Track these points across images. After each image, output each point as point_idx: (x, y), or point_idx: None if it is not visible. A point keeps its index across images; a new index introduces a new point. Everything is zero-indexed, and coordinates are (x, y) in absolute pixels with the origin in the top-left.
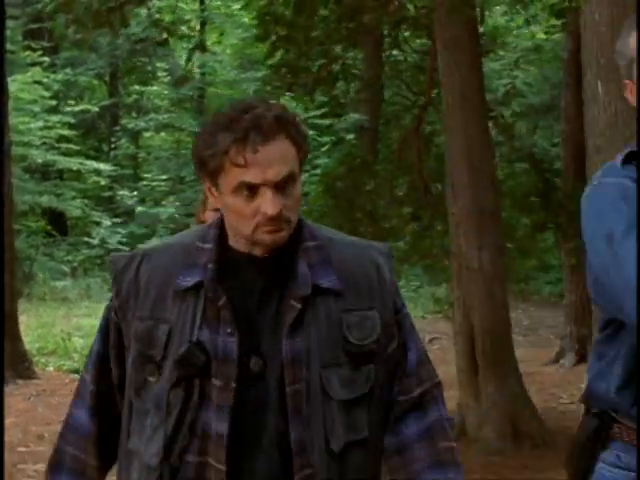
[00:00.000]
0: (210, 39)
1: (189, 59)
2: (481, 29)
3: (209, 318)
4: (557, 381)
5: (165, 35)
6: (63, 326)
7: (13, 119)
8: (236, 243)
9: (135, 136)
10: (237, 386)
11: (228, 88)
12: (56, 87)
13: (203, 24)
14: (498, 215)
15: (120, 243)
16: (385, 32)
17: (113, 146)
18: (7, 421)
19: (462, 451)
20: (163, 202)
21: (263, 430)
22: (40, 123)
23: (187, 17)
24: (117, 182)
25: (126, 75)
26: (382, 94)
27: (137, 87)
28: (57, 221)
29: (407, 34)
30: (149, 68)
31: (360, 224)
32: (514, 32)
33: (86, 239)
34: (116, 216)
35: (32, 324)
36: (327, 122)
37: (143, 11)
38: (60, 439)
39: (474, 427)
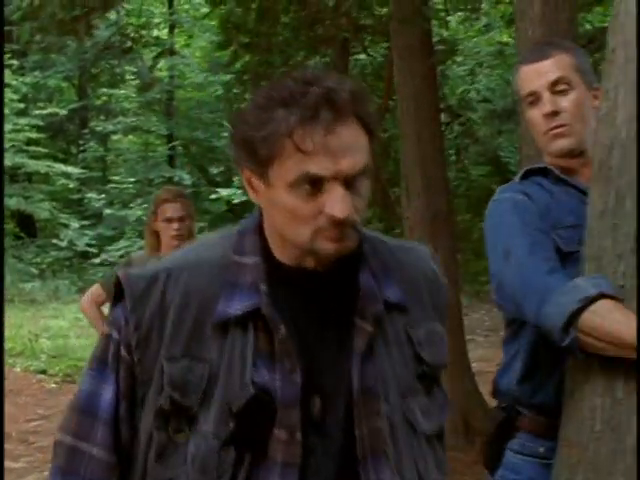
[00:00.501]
0: (179, 42)
1: (154, 65)
2: (445, 34)
3: (263, 352)
4: None
5: (130, 43)
6: (31, 327)
7: None
8: (282, 253)
9: (104, 139)
10: (302, 437)
11: (197, 91)
12: (25, 90)
13: (172, 27)
14: (451, 219)
15: (88, 245)
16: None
17: (82, 149)
18: None
19: None
20: (131, 204)
21: None
22: (9, 126)
23: (156, 20)
24: (85, 184)
25: (94, 78)
26: None
27: (105, 90)
28: (26, 223)
29: (367, 42)
30: (118, 70)
31: None
32: (474, 39)
33: (54, 241)
34: (84, 218)
35: None
36: None
37: (112, 15)
38: None
39: None
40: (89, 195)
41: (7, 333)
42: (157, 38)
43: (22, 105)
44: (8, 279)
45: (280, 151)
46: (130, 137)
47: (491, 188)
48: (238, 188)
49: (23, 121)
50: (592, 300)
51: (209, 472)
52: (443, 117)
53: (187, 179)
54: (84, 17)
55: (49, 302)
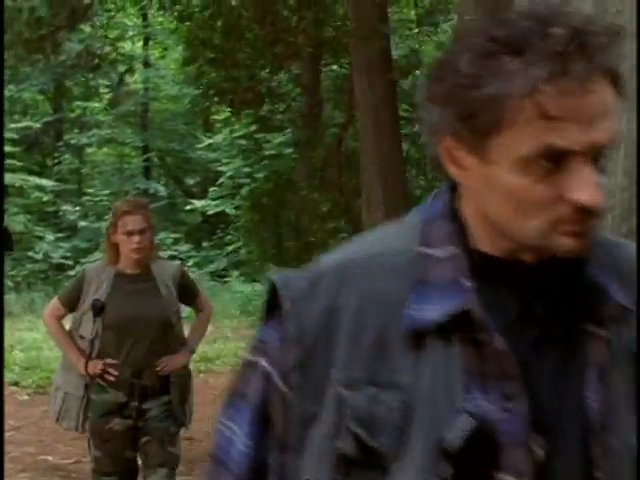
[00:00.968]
0: (153, 54)
1: (122, 80)
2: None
3: (473, 371)
4: None
5: (97, 60)
6: (5, 339)
7: None
8: (489, 244)
9: (79, 151)
10: None
11: (172, 102)
12: None
13: (146, 40)
14: None
15: (64, 257)
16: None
17: (57, 161)
18: None
19: None
20: (106, 217)
21: None
22: None
23: (130, 33)
24: (60, 197)
25: (69, 91)
26: (321, 109)
27: (80, 103)
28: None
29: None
30: (92, 83)
31: (285, 238)
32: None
33: (30, 254)
34: (60, 231)
35: None
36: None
37: (87, 28)
38: None
39: None
40: (64, 207)
41: None
42: (128, 54)
43: None
44: None
45: (513, 116)
46: (105, 149)
47: None
48: (212, 199)
49: None
50: None
51: None
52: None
53: (162, 191)
54: (50, 36)
55: (24, 314)
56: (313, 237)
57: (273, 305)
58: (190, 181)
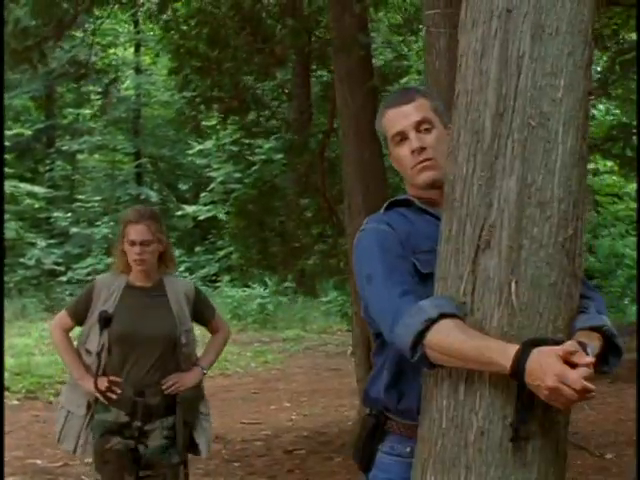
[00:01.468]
0: (145, 61)
1: (106, 91)
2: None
3: None
4: None
5: (83, 70)
6: None
7: None
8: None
9: (70, 158)
10: None
11: (163, 108)
12: None
13: (138, 46)
14: None
15: (55, 263)
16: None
17: (48, 168)
18: None
19: None
20: (97, 222)
21: None
22: None
23: (122, 40)
24: (52, 203)
25: (60, 98)
26: (311, 115)
27: (71, 110)
28: None
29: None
30: (84, 90)
31: (271, 244)
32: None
33: (22, 260)
34: (51, 237)
35: None
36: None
37: (79, 34)
38: None
39: None
40: (56, 214)
41: None
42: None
43: None
44: None
45: None
46: (96, 156)
47: None
48: (204, 205)
49: None
50: (434, 321)
51: None
52: None
53: (154, 196)
54: (37, 46)
55: (16, 320)
56: (298, 243)
57: None
58: (182, 187)
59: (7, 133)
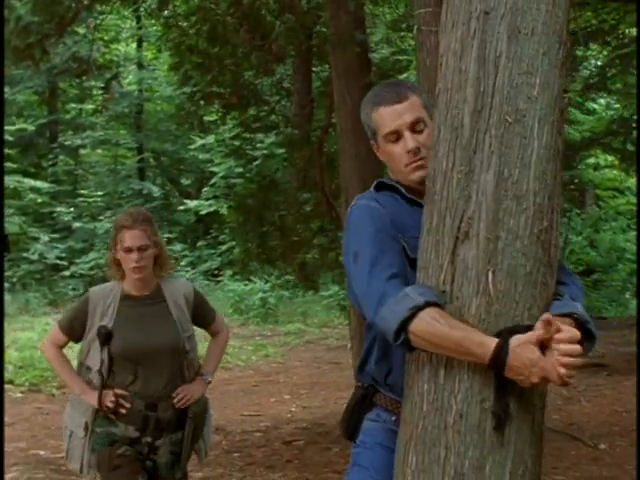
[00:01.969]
0: (147, 56)
1: (106, 88)
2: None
3: None
4: None
5: (84, 67)
6: None
7: None
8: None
9: (73, 153)
10: None
11: (166, 103)
12: None
13: (140, 41)
14: None
15: (58, 258)
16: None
17: (51, 163)
18: None
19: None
20: (100, 217)
21: None
22: None
23: (124, 35)
24: (55, 198)
25: (63, 93)
26: (312, 110)
27: (74, 105)
28: None
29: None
30: (87, 85)
31: (270, 238)
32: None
33: (25, 255)
34: (54, 232)
35: None
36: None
37: (81, 29)
38: None
39: None
40: (59, 209)
41: None
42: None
43: None
44: None
45: None
46: (99, 151)
47: None
48: (206, 199)
49: None
50: (420, 308)
51: None
52: None
53: (156, 191)
54: (38, 43)
55: (19, 315)
56: (297, 237)
57: None
58: (184, 181)
59: (10, 128)
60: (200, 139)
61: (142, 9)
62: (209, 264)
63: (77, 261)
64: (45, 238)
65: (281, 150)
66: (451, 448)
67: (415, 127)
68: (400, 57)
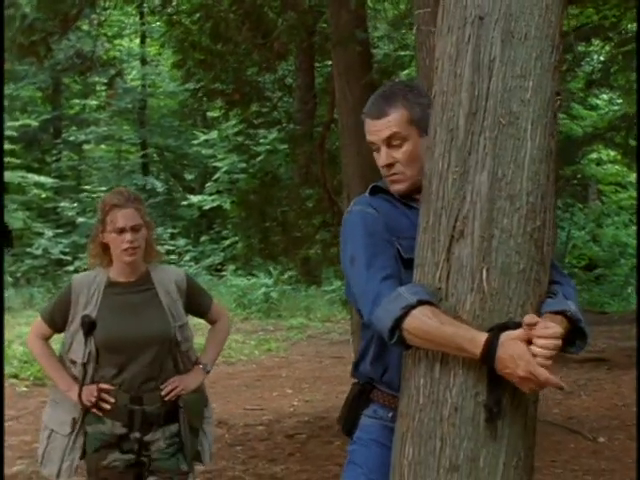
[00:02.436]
0: (150, 52)
1: (110, 84)
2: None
3: None
4: None
5: (88, 63)
6: (5, 334)
7: None
8: None
9: (77, 148)
10: None
11: (169, 99)
12: None
13: (143, 37)
14: None
15: (62, 253)
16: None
17: (55, 158)
18: None
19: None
20: None
21: None
22: None
23: (128, 31)
24: (59, 194)
25: (67, 89)
26: (315, 106)
27: (78, 100)
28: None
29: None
30: (90, 80)
31: (272, 233)
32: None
33: (29, 250)
34: (58, 227)
35: None
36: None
37: (85, 26)
38: None
39: None
40: (62, 204)
41: None
42: (121, 56)
43: None
44: None
45: None
46: (103, 146)
47: None
48: (209, 194)
49: None
50: (412, 306)
51: None
52: None
53: (159, 186)
54: (42, 41)
55: (24, 309)
56: (299, 232)
57: None
58: (187, 176)
59: (14, 124)
60: (203, 135)
61: (145, 5)
62: (212, 259)
63: (81, 256)
64: (49, 233)
65: (283, 146)
66: (446, 440)
67: (391, 142)
68: (402, 53)
